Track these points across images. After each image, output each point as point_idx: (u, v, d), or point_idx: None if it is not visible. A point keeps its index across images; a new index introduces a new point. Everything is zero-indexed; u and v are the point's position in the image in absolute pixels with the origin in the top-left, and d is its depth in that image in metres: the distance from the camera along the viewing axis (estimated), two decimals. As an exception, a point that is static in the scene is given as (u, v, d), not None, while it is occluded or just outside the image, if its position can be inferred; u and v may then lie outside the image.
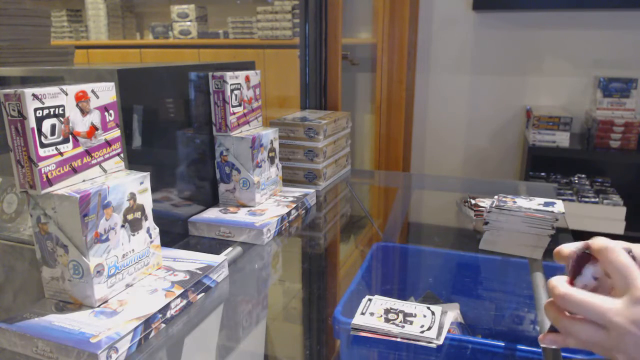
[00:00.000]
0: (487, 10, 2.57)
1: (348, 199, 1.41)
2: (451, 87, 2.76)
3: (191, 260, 0.84)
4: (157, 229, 0.80)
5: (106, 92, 0.74)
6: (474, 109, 2.74)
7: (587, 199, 2.26)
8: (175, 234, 1.01)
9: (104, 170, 0.74)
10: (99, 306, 0.69)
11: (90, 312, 0.67)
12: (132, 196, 0.74)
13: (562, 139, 2.30)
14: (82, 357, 0.60)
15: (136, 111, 0.87)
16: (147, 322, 0.67)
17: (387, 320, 0.68)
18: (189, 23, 3.43)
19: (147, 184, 0.76)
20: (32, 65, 1.12)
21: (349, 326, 0.68)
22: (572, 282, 0.48)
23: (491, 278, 0.92)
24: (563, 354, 0.55)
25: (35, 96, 0.63)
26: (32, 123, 0.63)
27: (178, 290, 0.74)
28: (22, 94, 0.62)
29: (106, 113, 0.74)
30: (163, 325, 0.70)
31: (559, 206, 1.03)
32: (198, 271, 0.80)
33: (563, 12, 2.47)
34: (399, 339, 0.66)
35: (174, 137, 0.99)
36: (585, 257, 0.49)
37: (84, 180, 0.70)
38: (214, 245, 0.99)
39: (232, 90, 1.07)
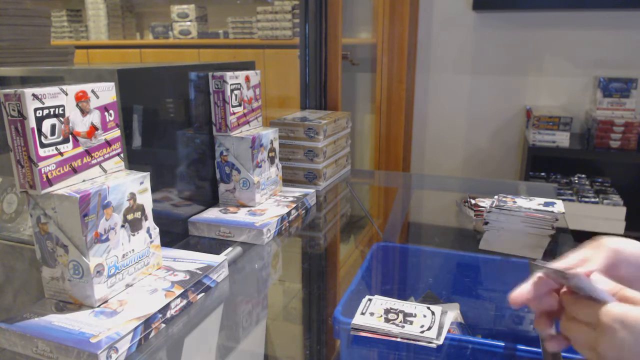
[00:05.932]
0: (487, 10, 2.57)
1: (348, 199, 1.41)
2: (451, 87, 2.76)
3: (191, 260, 0.84)
4: (157, 229, 0.80)
5: (106, 92, 0.74)
6: (474, 109, 2.74)
7: (587, 199, 2.26)
8: (175, 234, 1.01)
9: (104, 170, 0.74)
10: (99, 306, 0.69)
11: (90, 312, 0.67)
12: (132, 196, 0.74)
13: (562, 139, 2.31)
14: (82, 357, 0.60)
15: (136, 111, 0.87)
16: (147, 322, 0.67)
17: (387, 320, 0.68)
18: (189, 23, 3.43)
19: (147, 184, 0.76)
20: (32, 65, 1.12)
21: (349, 326, 0.68)
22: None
23: (491, 278, 0.92)
24: (563, 354, 0.55)
25: (35, 96, 0.63)
26: (32, 123, 0.63)
27: (178, 290, 0.74)
28: (22, 94, 0.62)
29: (106, 113, 0.74)
30: (163, 325, 0.70)
31: (559, 206, 1.03)
32: (198, 271, 0.80)
33: (563, 12, 2.47)
34: (399, 339, 0.66)
35: (174, 137, 0.99)
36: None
37: (84, 180, 0.70)
38: (214, 245, 0.99)
39: (232, 90, 1.07)
